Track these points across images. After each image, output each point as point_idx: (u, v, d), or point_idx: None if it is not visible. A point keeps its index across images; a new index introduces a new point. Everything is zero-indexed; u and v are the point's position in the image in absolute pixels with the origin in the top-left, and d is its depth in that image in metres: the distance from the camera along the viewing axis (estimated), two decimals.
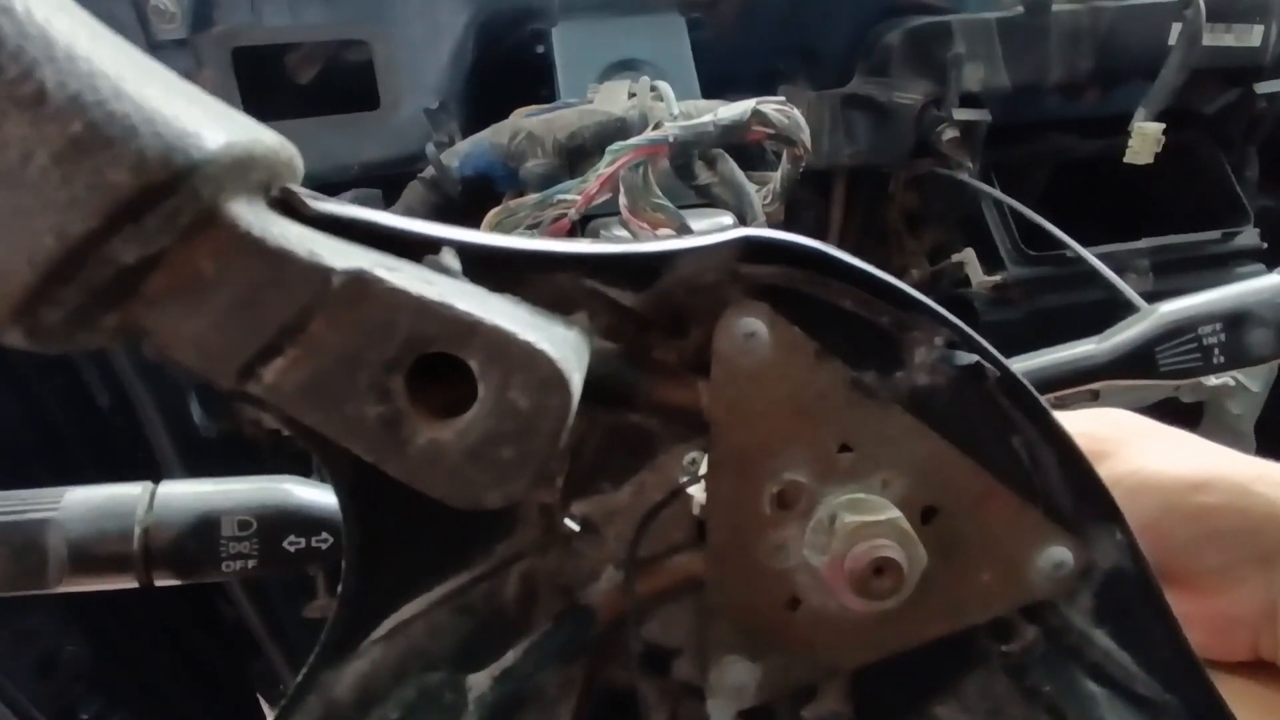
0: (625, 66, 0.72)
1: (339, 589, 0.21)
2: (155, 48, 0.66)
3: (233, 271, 0.14)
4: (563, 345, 0.16)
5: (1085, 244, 0.79)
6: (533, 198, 0.63)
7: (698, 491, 0.27)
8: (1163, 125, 0.74)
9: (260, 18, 0.68)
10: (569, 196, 0.61)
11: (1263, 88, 0.84)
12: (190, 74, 0.68)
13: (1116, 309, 0.67)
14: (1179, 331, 0.30)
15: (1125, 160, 0.74)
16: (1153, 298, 0.51)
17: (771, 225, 0.65)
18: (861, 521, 0.24)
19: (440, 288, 0.15)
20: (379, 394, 0.15)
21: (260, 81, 0.73)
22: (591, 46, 0.72)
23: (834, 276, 0.25)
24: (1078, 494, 0.27)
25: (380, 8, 0.70)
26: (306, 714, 0.20)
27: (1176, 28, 0.76)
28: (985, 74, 0.77)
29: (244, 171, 0.14)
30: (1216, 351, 0.30)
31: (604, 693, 0.28)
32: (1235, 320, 0.30)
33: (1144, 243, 0.80)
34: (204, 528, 0.26)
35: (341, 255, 0.15)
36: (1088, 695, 0.27)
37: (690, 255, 0.23)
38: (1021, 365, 0.34)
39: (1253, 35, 0.80)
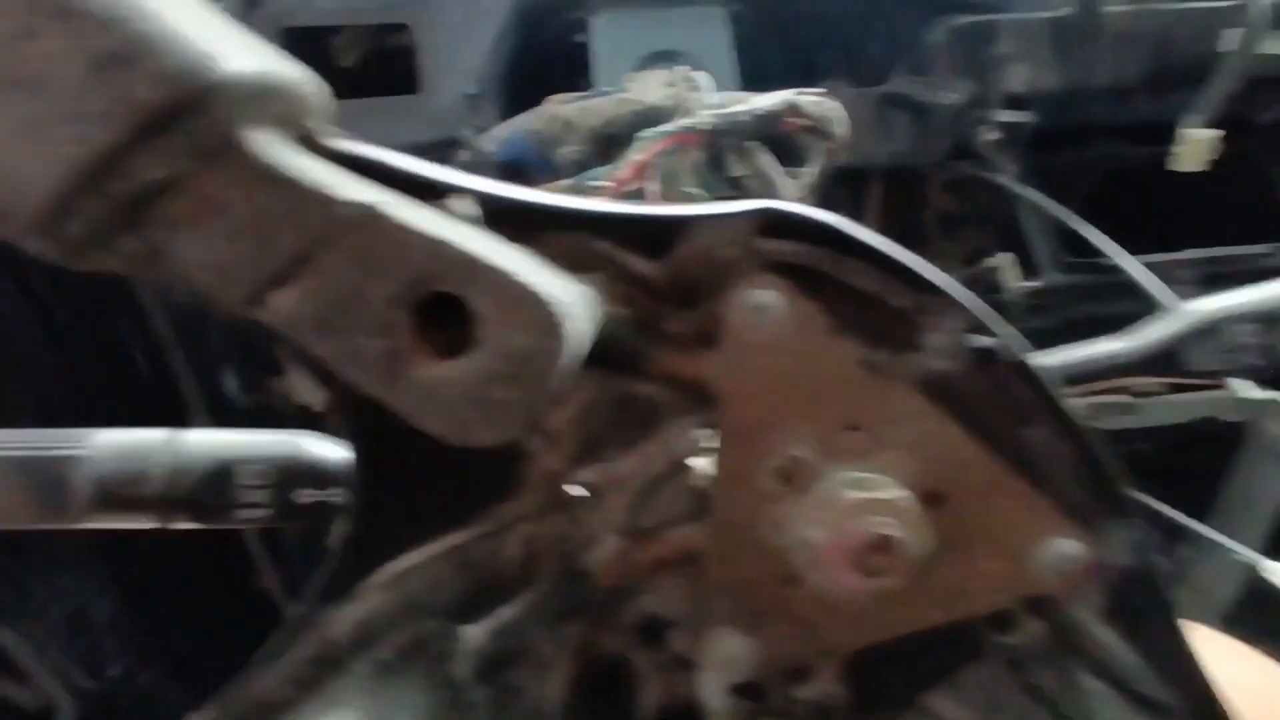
0: (664, 57, 0.72)
1: (342, 530, 0.22)
2: None
3: (248, 199, 0.14)
4: (569, 294, 0.17)
5: (1134, 254, 0.77)
6: (565, 183, 0.64)
7: (699, 464, 0.27)
8: (1216, 132, 0.72)
9: (309, 0, 0.70)
10: (600, 182, 0.61)
11: None
12: None
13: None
14: (1209, 331, 0.29)
15: (1171, 167, 0.72)
16: None
17: None
18: (864, 498, 0.24)
19: (450, 229, 0.16)
20: (383, 328, 0.15)
21: (307, 62, 0.74)
22: (630, 36, 0.72)
23: (853, 255, 0.25)
24: (1094, 490, 0.26)
25: None
26: (302, 650, 0.21)
27: (1232, 33, 0.74)
28: (1031, 74, 0.76)
29: (265, 99, 0.14)
30: (1251, 351, 0.29)
31: (599, 662, 0.29)
32: (1270, 321, 0.29)
33: (1189, 253, 0.78)
34: (220, 475, 0.27)
35: (354, 190, 0.15)
36: (1089, 693, 0.27)
37: (708, 223, 0.24)
38: (1053, 359, 0.34)
39: None
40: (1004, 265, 0.80)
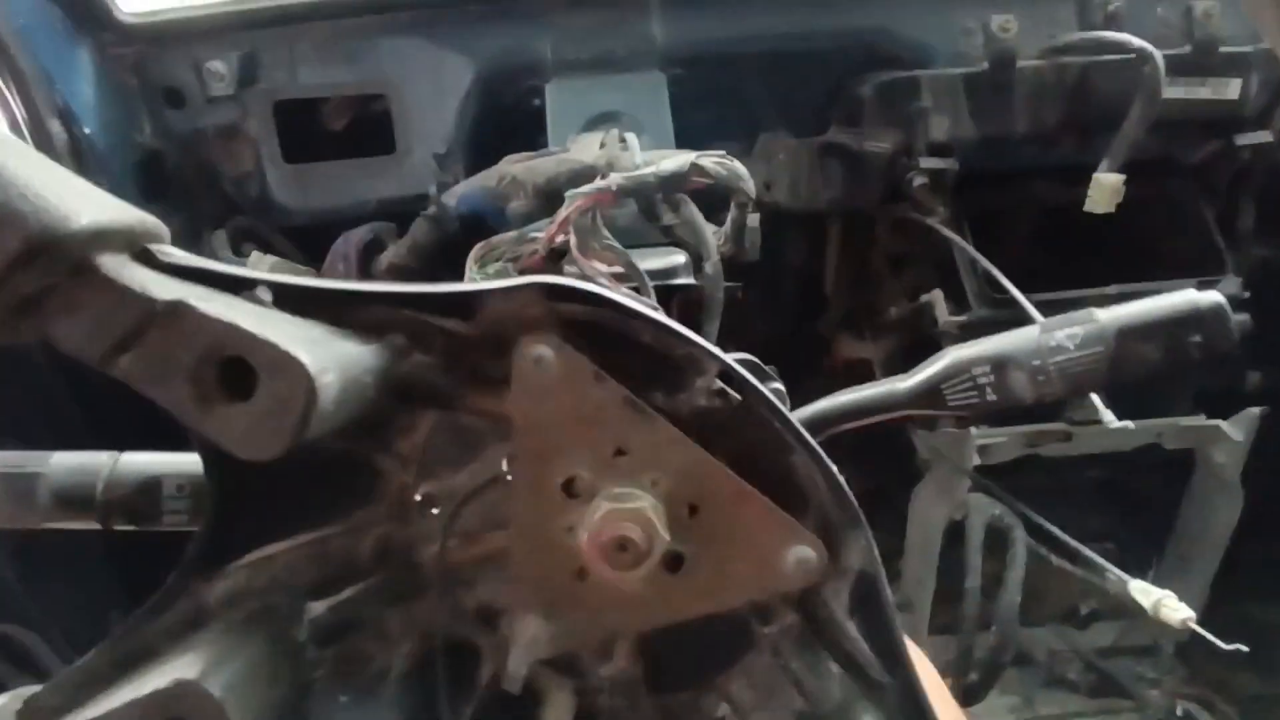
0: (608, 118, 0.80)
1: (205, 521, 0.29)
2: (210, 101, 0.78)
3: (97, 298, 0.22)
4: (325, 356, 0.24)
5: (1076, 288, 0.81)
6: (511, 235, 0.72)
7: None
8: (1122, 176, 0.76)
9: (296, 76, 0.80)
10: (540, 235, 0.69)
11: (1246, 139, 0.85)
12: (237, 124, 0.81)
13: None
14: (959, 372, 0.35)
15: (1085, 209, 0.77)
16: None
17: (726, 262, 0.71)
18: (612, 508, 0.30)
19: (240, 313, 0.23)
20: (194, 381, 0.23)
21: (298, 129, 0.84)
22: (579, 100, 0.80)
23: (626, 316, 0.32)
24: (837, 505, 0.32)
25: (396, 66, 0.81)
26: (178, 614, 0.28)
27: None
28: (951, 125, 0.82)
29: (106, 238, 0.22)
30: (988, 390, 0.35)
31: (447, 642, 0.35)
32: (1000, 364, 0.35)
33: (1113, 289, 0.82)
34: (150, 488, 0.35)
35: (169, 291, 0.22)
36: (829, 675, 0.33)
37: (494, 294, 0.31)
38: (842, 398, 0.40)
39: (1230, 88, 0.82)
40: (936, 300, 0.86)
